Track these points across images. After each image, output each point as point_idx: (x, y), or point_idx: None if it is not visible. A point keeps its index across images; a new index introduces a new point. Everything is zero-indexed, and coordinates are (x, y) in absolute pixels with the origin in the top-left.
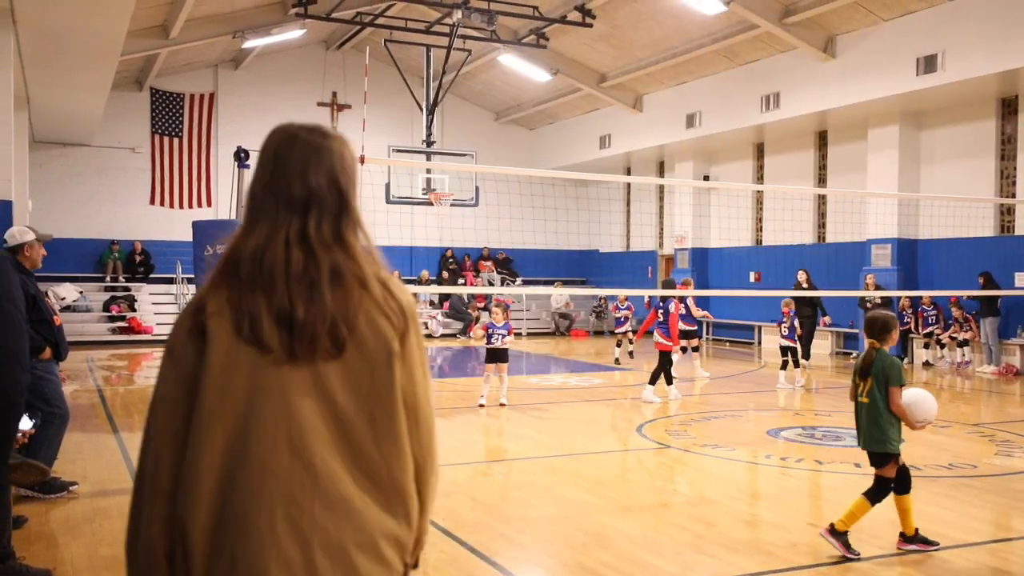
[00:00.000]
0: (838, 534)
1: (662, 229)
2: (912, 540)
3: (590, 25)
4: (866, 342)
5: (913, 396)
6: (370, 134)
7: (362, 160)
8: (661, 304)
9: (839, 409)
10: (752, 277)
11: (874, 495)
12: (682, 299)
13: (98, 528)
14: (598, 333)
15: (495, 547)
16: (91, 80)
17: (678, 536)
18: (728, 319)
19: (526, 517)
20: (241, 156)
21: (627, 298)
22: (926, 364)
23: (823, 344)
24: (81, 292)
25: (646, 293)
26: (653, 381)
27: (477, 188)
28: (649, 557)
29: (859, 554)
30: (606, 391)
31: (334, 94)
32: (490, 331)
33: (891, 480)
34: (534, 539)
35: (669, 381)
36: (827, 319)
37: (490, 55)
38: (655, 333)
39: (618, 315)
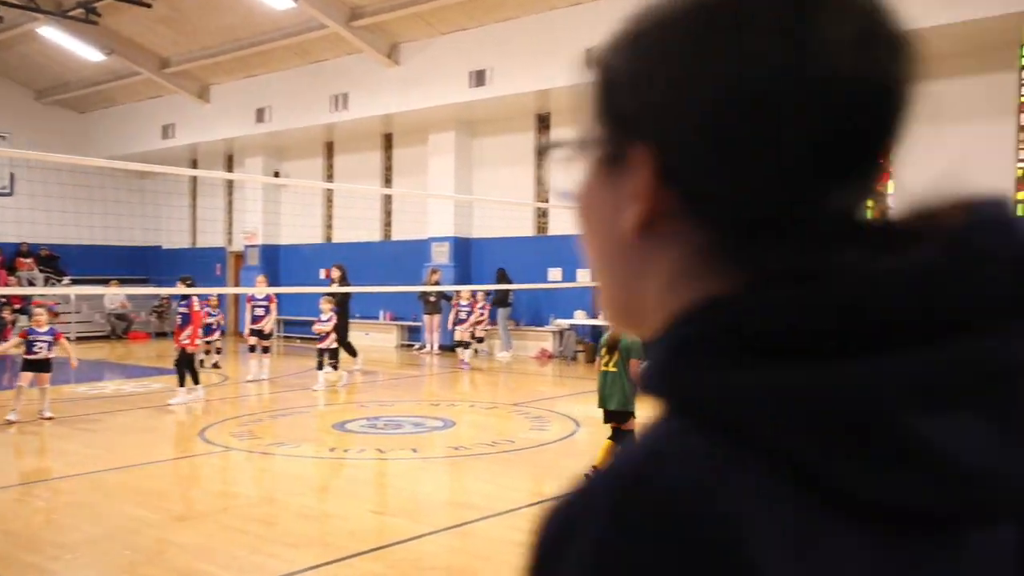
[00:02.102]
0: None
1: (231, 225)
2: None
3: (149, 5)
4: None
5: None
6: None
7: None
8: (183, 303)
9: (401, 399)
10: (323, 274)
11: (622, 443)
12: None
13: None
14: (160, 335)
15: None
16: None
17: (237, 540)
18: (296, 316)
19: (63, 542)
20: None
21: (219, 303)
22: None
23: (389, 338)
24: None
25: (236, 289)
26: (183, 383)
27: (12, 175)
28: (203, 565)
29: None
30: (168, 396)
31: None
32: (31, 338)
33: (633, 431)
34: (71, 565)
35: (196, 380)
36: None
37: (28, 25)
38: (183, 333)
39: (210, 321)
